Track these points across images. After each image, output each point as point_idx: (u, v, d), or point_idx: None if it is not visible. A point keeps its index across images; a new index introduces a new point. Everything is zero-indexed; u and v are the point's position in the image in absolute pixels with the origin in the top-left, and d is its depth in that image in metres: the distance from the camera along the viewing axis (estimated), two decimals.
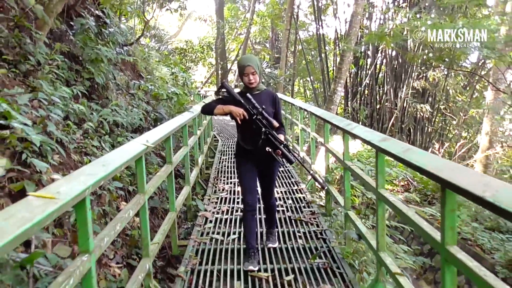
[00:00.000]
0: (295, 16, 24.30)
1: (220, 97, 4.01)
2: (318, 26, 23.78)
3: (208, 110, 3.98)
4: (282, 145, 3.77)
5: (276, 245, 4.48)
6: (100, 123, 5.97)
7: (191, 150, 6.39)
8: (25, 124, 3.22)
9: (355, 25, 12.29)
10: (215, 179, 7.43)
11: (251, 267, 3.87)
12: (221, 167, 8.50)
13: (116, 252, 4.69)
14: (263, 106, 3.76)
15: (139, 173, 3.21)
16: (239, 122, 3.83)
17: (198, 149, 7.34)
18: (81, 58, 6.83)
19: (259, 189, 4.32)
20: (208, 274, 3.85)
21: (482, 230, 7.48)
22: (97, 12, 7.95)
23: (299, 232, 4.91)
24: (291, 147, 3.97)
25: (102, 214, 4.58)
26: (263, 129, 3.76)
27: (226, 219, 5.37)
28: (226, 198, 6.33)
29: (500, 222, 7.46)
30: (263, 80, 3.89)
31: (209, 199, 6.20)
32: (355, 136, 3.91)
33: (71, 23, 7.26)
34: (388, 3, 21.30)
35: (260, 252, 4.32)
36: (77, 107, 5.14)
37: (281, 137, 3.85)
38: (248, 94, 3.80)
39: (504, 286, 1.73)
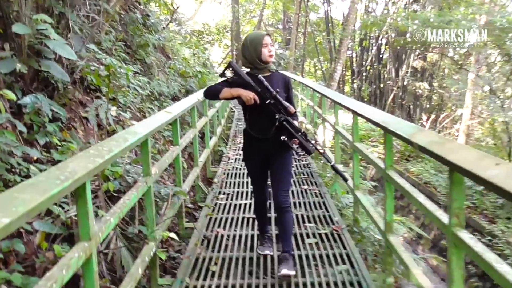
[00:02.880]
0: (305, 0, 26.18)
1: (226, 79, 3.46)
2: (326, 9, 25.77)
3: (213, 94, 3.48)
4: (300, 133, 3.31)
5: (293, 272, 3.41)
6: (150, 92, 8.20)
7: (217, 113, 8.61)
8: (134, 86, 5.46)
9: (352, 13, 14.32)
10: (234, 136, 9.73)
11: (267, 251, 3.80)
12: (238, 129, 10.78)
13: (169, 177, 6.97)
14: (277, 90, 3.27)
15: (193, 116, 5.47)
16: (248, 108, 3.38)
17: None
18: (129, 43, 9.03)
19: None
20: (233, 184, 6.11)
21: (441, 176, 9.66)
22: (141, 7, 10.14)
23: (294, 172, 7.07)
24: (309, 136, 3.61)
25: (160, 151, 6.86)
26: (278, 115, 3.29)
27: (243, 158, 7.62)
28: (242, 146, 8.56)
29: None
30: (273, 60, 3.58)
31: (229, 148, 8.48)
32: (326, 97, 6.10)
33: (122, 15, 9.47)
34: None
35: (274, 237, 4.08)
36: (142, 80, 7.38)
37: (295, 123, 3.37)
38: (260, 76, 3.29)
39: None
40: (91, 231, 2.08)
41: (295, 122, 3.36)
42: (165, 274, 3.73)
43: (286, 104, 3.27)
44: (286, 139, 3.30)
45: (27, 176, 3.43)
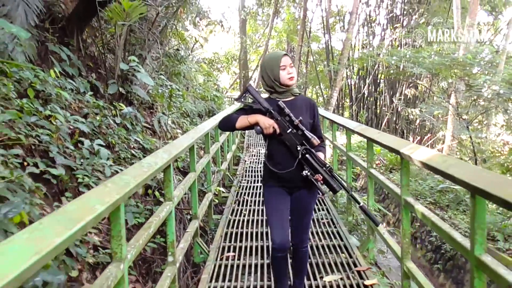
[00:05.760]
0: (307, 32, 28.71)
1: (242, 107, 3.18)
2: (327, 41, 28.32)
3: (229, 125, 3.13)
4: (324, 168, 2.91)
5: None
6: (184, 110, 10.54)
7: None
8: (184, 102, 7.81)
9: (347, 48, 16.77)
10: (247, 147, 12.09)
11: None
12: (250, 143, 13.17)
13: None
14: (300, 118, 2.93)
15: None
16: (268, 137, 3.07)
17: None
18: (163, 72, 11.42)
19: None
20: (250, 175, 8.39)
21: (430, 187, 11.85)
22: (173, 43, 12.61)
23: None
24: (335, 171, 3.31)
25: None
26: (299, 147, 2.93)
27: (256, 161, 9.92)
28: (255, 154, 10.89)
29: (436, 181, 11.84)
30: (294, 82, 3.07)
31: (245, 154, 10.81)
32: (328, 119, 8.34)
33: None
34: (385, 23, 25.66)
35: None
36: (178, 101, 9.74)
37: (321, 155, 3.01)
38: (280, 102, 2.97)
39: None
40: (196, 167, 4.37)
41: (321, 155, 2.99)
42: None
43: (310, 134, 2.91)
44: (308, 174, 2.91)
45: (132, 155, 5.72)
